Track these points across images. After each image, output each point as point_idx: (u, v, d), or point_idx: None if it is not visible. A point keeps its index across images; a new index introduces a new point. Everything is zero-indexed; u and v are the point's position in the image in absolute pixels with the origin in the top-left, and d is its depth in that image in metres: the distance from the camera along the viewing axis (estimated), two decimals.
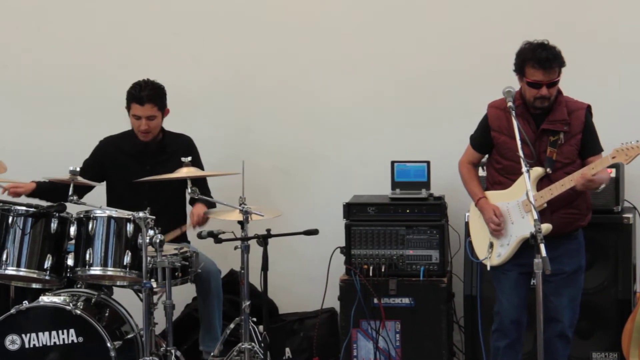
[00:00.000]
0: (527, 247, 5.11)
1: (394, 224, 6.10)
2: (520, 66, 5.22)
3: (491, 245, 5.33)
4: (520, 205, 5.23)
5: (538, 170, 5.19)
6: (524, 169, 5.00)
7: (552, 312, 5.21)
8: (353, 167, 6.64)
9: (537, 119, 5.26)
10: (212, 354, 5.82)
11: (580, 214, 5.30)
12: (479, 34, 6.43)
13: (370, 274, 6.05)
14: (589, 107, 5.33)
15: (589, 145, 5.27)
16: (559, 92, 5.29)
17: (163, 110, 6.03)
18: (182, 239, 6.06)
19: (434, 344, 6.01)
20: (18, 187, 5.89)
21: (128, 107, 6.00)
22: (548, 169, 5.20)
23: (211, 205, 5.88)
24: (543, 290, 4.88)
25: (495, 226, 5.26)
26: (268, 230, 5.52)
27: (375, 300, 6.03)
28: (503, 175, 5.33)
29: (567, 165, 5.22)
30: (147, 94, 5.93)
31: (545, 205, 5.15)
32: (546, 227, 4.99)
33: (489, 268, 5.37)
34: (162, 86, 6.03)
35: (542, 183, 5.20)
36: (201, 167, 6.04)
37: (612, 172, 5.86)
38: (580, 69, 6.06)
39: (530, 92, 5.21)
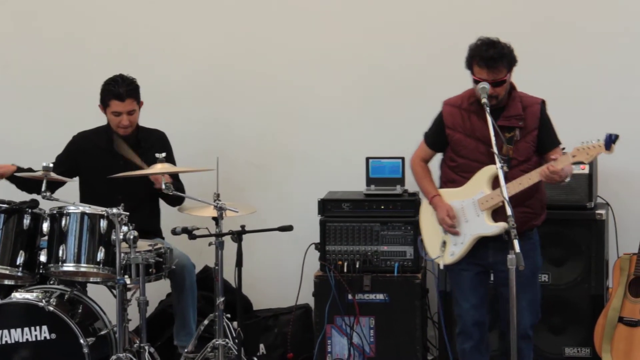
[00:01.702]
0: (482, 245, 5.12)
1: (369, 220, 6.11)
2: (469, 62, 5.16)
3: (444, 244, 5.26)
4: (476, 203, 5.16)
5: (493, 168, 5.06)
6: (497, 165, 4.96)
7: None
8: (328, 163, 6.63)
9: (493, 116, 5.10)
10: (186, 349, 5.82)
11: (534, 214, 5.23)
12: (455, 31, 6.42)
13: (345, 270, 6.06)
14: (543, 102, 5.25)
15: (546, 140, 5.20)
16: (513, 87, 5.22)
17: (139, 103, 6.02)
18: (156, 234, 6.04)
19: (408, 339, 6.02)
20: None
21: (105, 105, 5.96)
22: (504, 167, 5.05)
23: (181, 200, 5.88)
24: (502, 294, 4.86)
25: (449, 227, 5.20)
26: (242, 227, 5.51)
27: (350, 296, 6.03)
28: (457, 173, 5.25)
29: (522, 163, 5.15)
30: (125, 90, 5.91)
31: (500, 203, 5.04)
32: (502, 225, 4.96)
33: (441, 267, 5.32)
34: (135, 79, 6.01)
35: (497, 181, 5.04)
36: (174, 163, 6.03)
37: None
38: (550, 63, 6.13)
39: None
